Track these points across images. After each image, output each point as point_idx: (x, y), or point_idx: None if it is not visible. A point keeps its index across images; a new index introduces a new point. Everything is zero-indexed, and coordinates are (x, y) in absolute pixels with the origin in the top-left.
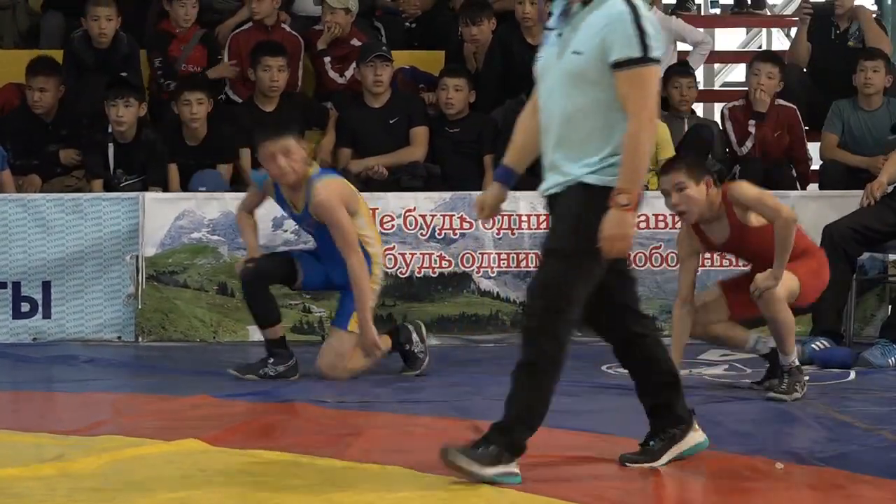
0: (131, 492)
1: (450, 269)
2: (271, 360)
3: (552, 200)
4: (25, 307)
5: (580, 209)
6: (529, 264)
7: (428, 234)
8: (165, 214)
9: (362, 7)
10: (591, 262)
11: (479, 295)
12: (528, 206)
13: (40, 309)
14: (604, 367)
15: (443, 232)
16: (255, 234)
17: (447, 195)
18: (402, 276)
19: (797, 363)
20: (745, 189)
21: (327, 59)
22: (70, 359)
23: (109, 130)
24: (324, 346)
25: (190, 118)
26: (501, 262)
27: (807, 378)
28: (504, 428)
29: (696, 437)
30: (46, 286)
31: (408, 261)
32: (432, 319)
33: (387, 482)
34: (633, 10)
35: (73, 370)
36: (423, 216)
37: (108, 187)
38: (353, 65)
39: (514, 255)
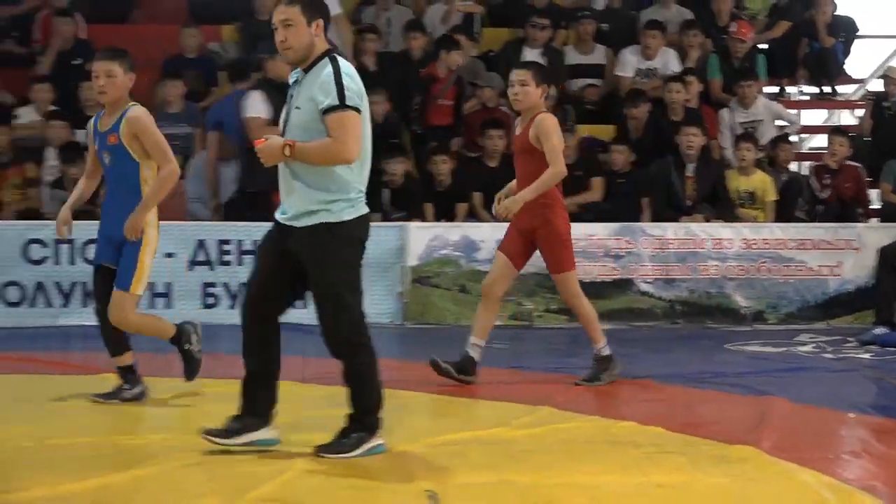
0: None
1: (618, 276)
2: (126, 386)
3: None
4: None
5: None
6: (672, 273)
7: (603, 252)
8: (423, 237)
9: (557, 94)
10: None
11: (639, 294)
12: (673, 232)
13: None
14: (727, 346)
15: (613, 250)
16: (75, 198)
17: (616, 225)
18: (585, 281)
19: (606, 352)
20: (549, 124)
21: None
22: None
23: (384, 179)
24: (110, 305)
25: (437, 172)
26: (654, 271)
27: (617, 371)
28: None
29: (270, 433)
30: None
31: (589, 270)
32: (608, 311)
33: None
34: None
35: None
36: (601, 239)
37: (384, 219)
38: None
39: (663, 267)
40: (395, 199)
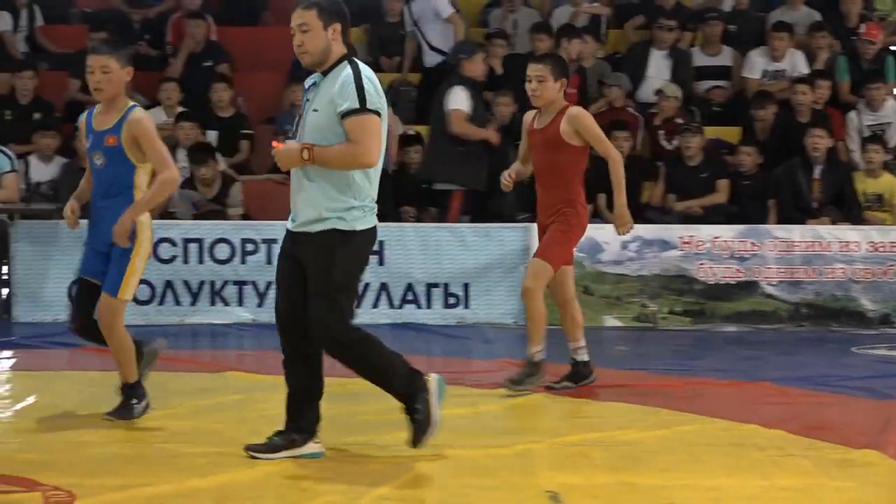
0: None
1: (743, 278)
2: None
3: None
4: (452, 300)
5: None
6: (798, 276)
7: (729, 254)
8: None
9: (684, 95)
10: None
11: (764, 297)
12: (799, 235)
13: (462, 302)
14: (853, 349)
15: (739, 253)
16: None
17: (742, 227)
18: (709, 283)
19: (538, 359)
20: (587, 117)
21: (661, 132)
22: (481, 335)
23: None
24: (98, 311)
25: None
26: (779, 274)
27: (541, 381)
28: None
29: (313, 447)
30: (467, 286)
31: (715, 272)
32: (732, 313)
33: None
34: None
35: (486, 345)
36: (726, 241)
37: (509, 220)
38: (677, 135)
39: (788, 269)
40: (519, 200)
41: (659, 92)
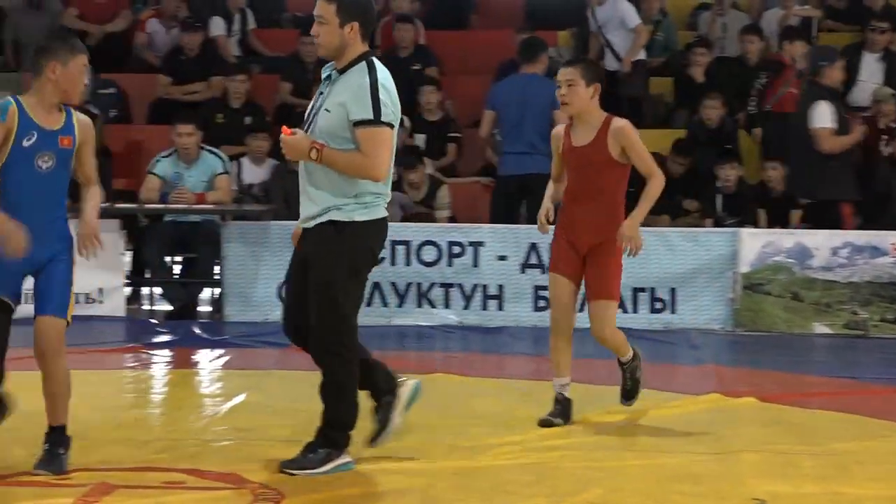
0: None
1: None
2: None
3: None
4: (658, 305)
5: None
6: None
7: None
8: (755, 244)
9: None
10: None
11: None
12: None
13: (669, 306)
14: None
15: None
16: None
17: None
18: None
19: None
20: (632, 131)
21: (884, 138)
22: (687, 340)
23: (718, 185)
24: (43, 336)
25: (769, 178)
26: None
27: None
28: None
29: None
30: (673, 291)
31: None
32: None
33: None
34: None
35: (692, 350)
36: None
37: (717, 224)
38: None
39: None
40: (727, 205)
41: (881, 95)
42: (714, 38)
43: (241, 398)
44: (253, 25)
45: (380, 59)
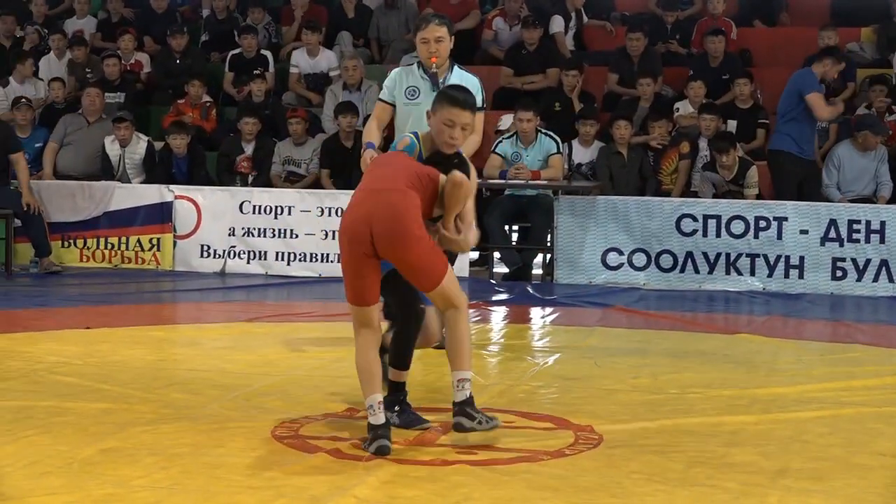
0: None
1: None
2: None
3: None
4: None
5: None
6: None
7: None
8: None
9: None
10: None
11: None
12: None
13: None
14: None
15: None
16: None
17: None
18: None
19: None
20: None
21: None
22: None
23: None
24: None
25: None
26: None
27: None
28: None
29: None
30: None
31: None
32: None
33: None
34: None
35: None
36: None
37: None
38: None
39: None
40: None
41: None
42: None
43: (564, 352)
44: (586, 21)
45: (693, 55)
